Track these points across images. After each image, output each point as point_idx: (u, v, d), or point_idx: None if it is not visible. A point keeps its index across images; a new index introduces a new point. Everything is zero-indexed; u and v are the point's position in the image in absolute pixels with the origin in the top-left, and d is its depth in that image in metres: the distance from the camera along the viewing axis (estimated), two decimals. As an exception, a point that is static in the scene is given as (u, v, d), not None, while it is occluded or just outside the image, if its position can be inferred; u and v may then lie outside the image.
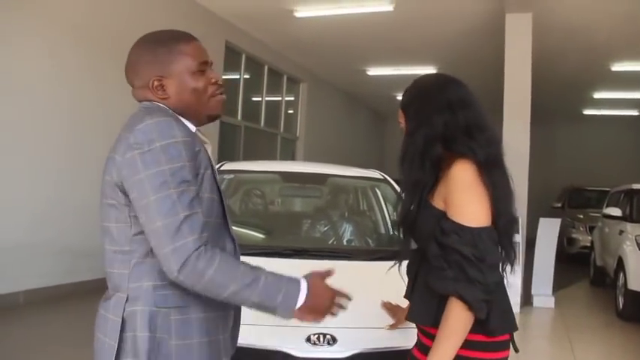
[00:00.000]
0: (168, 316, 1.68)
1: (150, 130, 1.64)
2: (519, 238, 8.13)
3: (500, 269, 1.99)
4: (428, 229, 1.96)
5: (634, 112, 17.85)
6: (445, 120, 1.99)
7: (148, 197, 1.60)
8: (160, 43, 1.83)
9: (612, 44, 11.20)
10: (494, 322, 1.92)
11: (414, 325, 2.31)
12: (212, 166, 1.78)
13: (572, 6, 9.32)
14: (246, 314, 2.71)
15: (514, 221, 2.01)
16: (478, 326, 1.90)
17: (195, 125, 1.84)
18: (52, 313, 6.60)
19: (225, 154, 10.96)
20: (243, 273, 1.63)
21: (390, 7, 9.74)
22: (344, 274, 3.34)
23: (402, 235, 2.17)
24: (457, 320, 1.86)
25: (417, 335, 2.18)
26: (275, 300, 1.66)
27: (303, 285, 1.73)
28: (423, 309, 2.03)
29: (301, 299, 1.70)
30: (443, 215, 1.93)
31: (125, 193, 1.67)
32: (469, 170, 1.92)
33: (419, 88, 2.16)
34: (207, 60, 1.86)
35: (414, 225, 2.03)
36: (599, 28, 10.26)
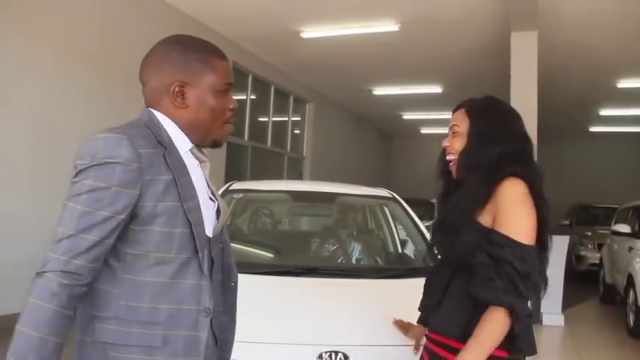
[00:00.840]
0: (106, 351, 1.57)
1: (98, 144, 1.57)
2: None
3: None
4: (470, 242, 1.98)
5: (639, 129, 17.85)
6: (517, 147, 2.09)
7: (65, 200, 1.56)
8: (194, 49, 1.73)
9: (618, 61, 11.23)
10: (523, 341, 1.96)
11: (424, 342, 2.33)
12: (189, 196, 1.64)
13: (577, 24, 9.37)
14: (256, 332, 2.74)
15: (547, 248, 2.07)
16: (508, 342, 1.93)
17: (196, 143, 1.74)
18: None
19: (233, 175, 10.98)
20: (28, 338, 1.44)
21: (395, 28, 9.80)
22: (354, 292, 3.37)
23: (435, 243, 2.23)
24: (498, 328, 1.89)
25: (430, 347, 2.16)
26: None
27: None
28: (453, 322, 2.03)
29: None
30: (487, 231, 1.97)
31: None
32: (520, 187, 1.99)
33: (496, 106, 2.24)
34: (232, 83, 1.77)
35: (455, 237, 2.04)
36: (604, 45, 10.30)
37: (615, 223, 9.97)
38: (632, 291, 7.86)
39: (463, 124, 2.17)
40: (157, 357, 1.57)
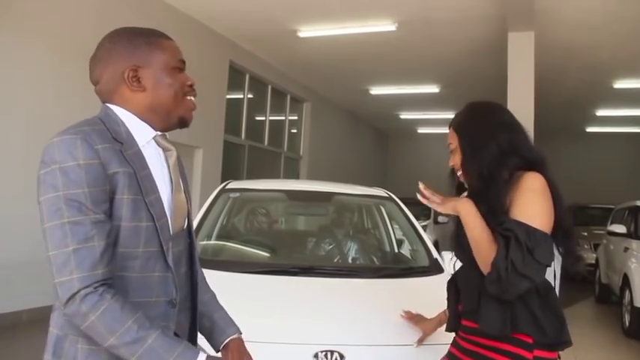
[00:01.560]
0: (76, 343, 1.56)
1: (54, 149, 1.54)
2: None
3: (553, 278, 2.12)
4: None
5: (637, 129, 17.89)
6: (509, 137, 2.15)
7: (44, 223, 1.51)
8: (138, 34, 1.74)
9: (614, 62, 11.26)
10: (549, 327, 2.02)
11: (441, 341, 2.48)
12: (150, 190, 1.63)
13: (573, 25, 9.39)
14: (252, 332, 2.73)
15: (572, 231, 2.17)
16: (534, 327, 2.01)
17: (160, 129, 1.72)
18: (38, 334, 6.56)
19: (229, 173, 10.98)
20: (127, 329, 1.46)
21: (393, 27, 9.81)
22: (350, 291, 3.37)
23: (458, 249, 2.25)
24: (484, 242, 2.02)
25: (473, 349, 2.16)
26: None
27: (202, 357, 1.54)
28: (495, 323, 2.04)
29: None
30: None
31: None
32: (539, 179, 2.05)
33: (474, 109, 2.31)
34: (184, 61, 1.77)
35: None
36: (601, 46, 10.32)
37: (611, 223, 9.98)
38: (627, 291, 7.88)
39: (454, 140, 2.27)
40: None
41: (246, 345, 1.95)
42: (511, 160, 2.10)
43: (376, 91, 15.12)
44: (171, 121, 1.72)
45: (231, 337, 1.92)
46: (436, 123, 19.68)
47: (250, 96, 12.77)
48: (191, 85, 1.75)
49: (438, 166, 24.25)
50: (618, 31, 9.51)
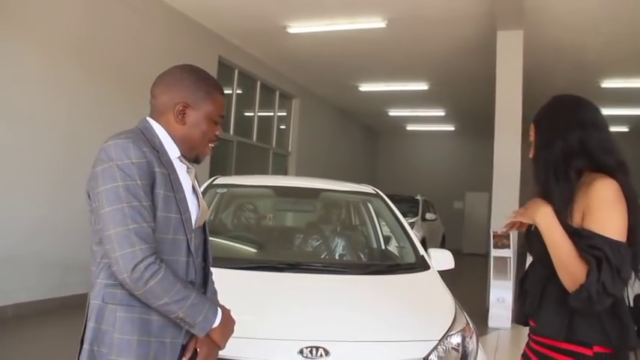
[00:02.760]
0: (115, 312, 1.89)
1: (110, 150, 1.89)
2: (511, 253, 8.16)
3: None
4: None
5: (624, 129, 17.98)
6: (580, 136, 2.09)
7: (104, 208, 1.85)
8: (204, 80, 2.11)
9: (601, 61, 11.32)
10: (613, 334, 1.99)
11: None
12: (178, 189, 2.00)
13: (562, 24, 9.43)
14: (238, 327, 2.74)
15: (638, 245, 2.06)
16: (600, 335, 1.98)
17: (182, 154, 2.08)
18: (41, 327, 6.55)
19: (217, 169, 10.96)
20: (177, 290, 1.86)
21: (382, 24, 9.80)
22: (336, 288, 3.38)
23: (532, 247, 2.21)
24: (571, 262, 1.96)
25: (536, 349, 2.18)
26: (196, 319, 1.91)
27: (219, 313, 2.00)
28: (555, 323, 2.05)
29: (216, 323, 1.97)
30: (577, 229, 2.00)
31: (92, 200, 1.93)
32: (611, 187, 2.00)
33: (554, 104, 2.26)
34: (224, 116, 2.16)
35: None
36: (588, 45, 10.37)
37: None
38: (625, 288, 7.91)
39: (532, 133, 2.27)
40: (153, 316, 1.91)
41: (232, 341, 2.17)
42: (577, 161, 2.08)
43: (365, 87, 15.11)
44: (190, 155, 2.11)
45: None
46: (425, 120, 19.73)
47: (239, 91, 12.74)
48: (217, 136, 2.15)
49: (426, 163, 24.32)
50: (605, 32, 9.56)
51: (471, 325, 3.10)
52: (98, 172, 1.88)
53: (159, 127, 2.05)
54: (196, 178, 2.16)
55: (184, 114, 2.05)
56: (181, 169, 2.08)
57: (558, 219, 2.02)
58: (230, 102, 12.28)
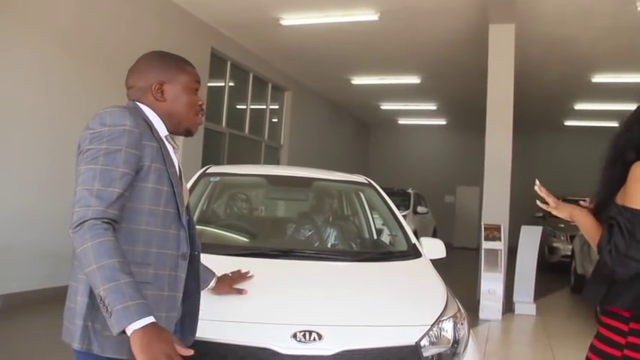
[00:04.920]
0: None
1: (104, 115, 1.96)
2: (501, 246, 8.22)
3: None
4: (607, 218, 2.32)
5: (614, 124, 18.05)
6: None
7: (80, 166, 1.90)
8: (171, 58, 2.22)
9: (592, 56, 11.38)
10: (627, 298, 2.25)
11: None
12: (170, 164, 2.07)
13: (554, 18, 9.47)
14: (231, 312, 2.76)
15: None
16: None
17: (170, 132, 2.17)
18: (33, 317, 6.55)
19: (210, 161, 10.92)
20: (110, 264, 1.75)
21: (375, 17, 9.82)
22: (329, 274, 3.41)
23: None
24: (592, 231, 2.38)
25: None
26: (114, 306, 1.71)
27: (149, 320, 1.74)
28: (594, 292, 2.39)
29: (137, 325, 1.71)
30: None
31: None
32: None
33: None
34: (200, 84, 2.25)
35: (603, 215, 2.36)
36: (580, 40, 10.43)
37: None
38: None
39: None
40: (149, 291, 1.93)
41: (226, 324, 2.42)
42: (629, 155, 2.32)
43: (358, 81, 15.14)
44: (179, 128, 2.19)
45: (214, 280, 2.75)
46: (417, 114, 19.77)
47: (232, 84, 12.73)
48: (201, 105, 2.23)
49: (417, 157, 24.38)
50: (595, 26, 9.62)
51: (462, 311, 3.13)
52: (87, 135, 1.94)
53: (145, 107, 2.13)
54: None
55: (162, 91, 2.13)
56: (170, 147, 2.15)
57: (607, 195, 2.35)
58: (222, 94, 12.29)
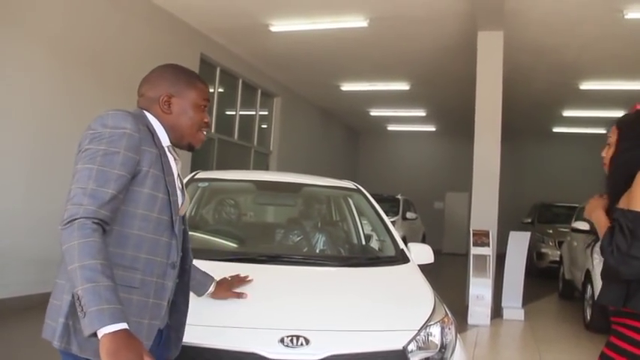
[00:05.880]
0: None
1: (106, 117, 1.97)
2: (490, 251, 8.24)
3: None
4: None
5: (602, 130, 18.16)
6: None
7: (77, 165, 1.91)
8: (184, 73, 2.24)
9: (580, 63, 11.46)
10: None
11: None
12: (168, 172, 2.08)
13: (542, 26, 9.54)
14: (219, 317, 2.76)
15: None
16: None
17: (172, 144, 2.19)
18: (21, 324, 6.50)
19: (198, 166, 10.82)
20: (91, 265, 1.73)
21: (364, 24, 9.85)
22: (317, 279, 3.41)
23: None
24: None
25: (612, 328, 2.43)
26: (89, 306, 1.69)
27: (121, 327, 1.71)
28: (613, 295, 2.36)
29: (109, 329, 1.68)
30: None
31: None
32: None
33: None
34: (209, 102, 2.27)
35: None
36: (567, 47, 10.50)
37: (575, 220, 10.16)
38: (589, 286, 8.04)
39: (614, 135, 2.55)
40: (134, 296, 1.96)
41: (213, 329, 2.43)
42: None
43: (347, 87, 15.14)
44: (182, 142, 2.21)
45: (213, 285, 2.77)
46: (406, 120, 19.81)
47: (221, 90, 12.71)
48: (206, 123, 2.25)
49: (406, 163, 24.42)
50: (583, 34, 9.69)
51: (449, 316, 3.15)
52: (87, 135, 1.95)
53: (150, 116, 2.15)
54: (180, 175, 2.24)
55: (170, 103, 2.16)
56: (170, 157, 2.16)
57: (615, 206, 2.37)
58: (212, 100, 12.26)
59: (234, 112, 13.48)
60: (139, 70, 2.24)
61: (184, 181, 4.48)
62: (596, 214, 2.50)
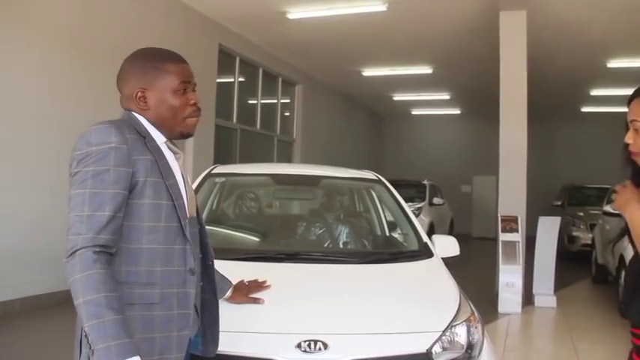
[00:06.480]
0: None
1: (91, 135, 1.86)
2: (519, 237, 8.04)
3: None
4: None
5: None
6: None
7: (70, 191, 1.83)
8: (150, 58, 2.05)
9: (608, 40, 11.14)
10: None
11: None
12: (168, 175, 1.96)
13: (566, 2, 9.25)
14: (235, 322, 2.64)
15: None
16: None
17: (167, 138, 2.05)
18: (49, 320, 6.51)
19: (222, 157, 10.89)
20: (95, 299, 1.69)
21: (383, 7, 9.68)
22: (336, 278, 3.27)
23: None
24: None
25: (634, 342, 2.19)
26: (96, 344, 1.67)
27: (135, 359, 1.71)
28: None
29: None
30: None
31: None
32: None
33: None
34: (190, 81, 2.06)
35: None
36: (594, 24, 10.18)
37: (607, 203, 9.89)
38: (623, 271, 7.80)
39: (635, 114, 2.17)
40: (156, 312, 1.88)
41: (228, 335, 2.30)
42: None
43: (369, 72, 14.99)
44: (173, 134, 2.06)
45: (231, 289, 2.66)
46: (430, 104, 19.59)
47: (241, 79, 12.64)
48: (193, 105, 2.05)
49: (433, 147, 24.31)
50: (611, 8, 9.37)
51: (476, 314, 2.99)
52: (75, 156, 1.85)
53: (138, 115, 2.02)
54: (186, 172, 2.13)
55: (145, 98, 2.00)
56: (170, 155, 2.04)
57: None
58: (232, 90, 12.20)
59: (255, 102, 13.40)
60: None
61: (201, 176, 4.43)
62: (631, 210, 2.08)
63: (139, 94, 1.99)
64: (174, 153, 2.06)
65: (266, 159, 13.56)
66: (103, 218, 1.77)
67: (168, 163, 2.00)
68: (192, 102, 2.05)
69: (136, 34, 8.55)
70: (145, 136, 1.96)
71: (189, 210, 2.05)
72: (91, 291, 1.69)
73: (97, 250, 1.74)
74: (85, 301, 1.68)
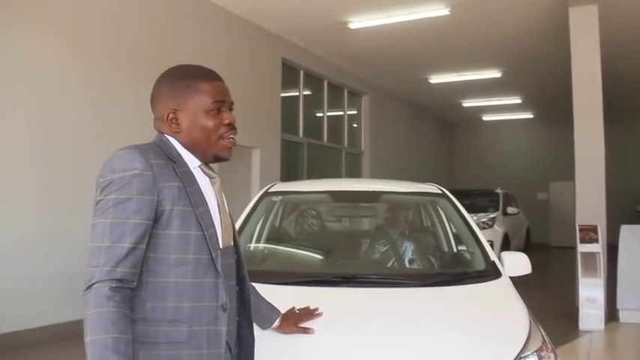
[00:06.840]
0: (137, 352, 1.69)
1: (115, 161, 1.76)
2: (599, 248, 7.58)
3: None
4: None
5: None
6: None
7: (93, 220, 1.73)
8: (180, 77, 1.93)
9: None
10: None
11: None
12: (199, 204, 1.83)
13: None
14: (282, 354, 2.46)
15: None
16: None
17: (201, 161, 1.93)
18: (67, 350, 6.26)
19: (289, 172, 10.82)
20: (102, 340, 1.60)
21: (445, 11, 9.44)
22: (394, 305, 3.02)
23: None
24: None
25: None
26: None
27: None
28: None
29: None
30: None
31: None
32: None
33: None
34: (225, 100, 1.93)
35: None
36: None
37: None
38: None
39: None
40: (184, 351, 1.76)
41: None
42: None
43: (436, 79, 14.70)
44: (207, 157, 1.94)
45: (278, 320, 2.47)
46: (501, 109, 19.06)
47: (306, 92, 12.56)
48: (229, 124, 1.93)
49: (506, 154, 23.65)
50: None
51: (548, 343, 2.70)
52: (99, 184, 1.77)
53: (171, 138, 1.92)
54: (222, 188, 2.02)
55: (177, 120, 1.90)
56: (204, 181, 1.92)
57: None
58: (297, 103, 12.13)
59: (321, 114, 13.29)
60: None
61: (258, 195, 4.29)
62: None
63: (171, 115, 1.89)
64: (210, 177, 1.95)
65: (334, 172, 13.42)
66: (122, 250, 1.67)
67: (200, 189, 1.87)
68: (226, 121, 1.92)
69: (199, 52, 8.55)
70: (175, 161, 1.85)
71: (224, 240, 1.91)
72: (99, 330, 1.60)
73: (114, 285, 1.65)
74: (91, 340, 1.60)
